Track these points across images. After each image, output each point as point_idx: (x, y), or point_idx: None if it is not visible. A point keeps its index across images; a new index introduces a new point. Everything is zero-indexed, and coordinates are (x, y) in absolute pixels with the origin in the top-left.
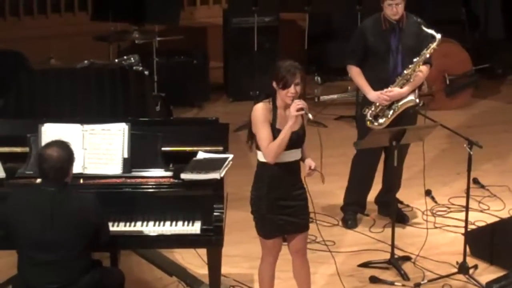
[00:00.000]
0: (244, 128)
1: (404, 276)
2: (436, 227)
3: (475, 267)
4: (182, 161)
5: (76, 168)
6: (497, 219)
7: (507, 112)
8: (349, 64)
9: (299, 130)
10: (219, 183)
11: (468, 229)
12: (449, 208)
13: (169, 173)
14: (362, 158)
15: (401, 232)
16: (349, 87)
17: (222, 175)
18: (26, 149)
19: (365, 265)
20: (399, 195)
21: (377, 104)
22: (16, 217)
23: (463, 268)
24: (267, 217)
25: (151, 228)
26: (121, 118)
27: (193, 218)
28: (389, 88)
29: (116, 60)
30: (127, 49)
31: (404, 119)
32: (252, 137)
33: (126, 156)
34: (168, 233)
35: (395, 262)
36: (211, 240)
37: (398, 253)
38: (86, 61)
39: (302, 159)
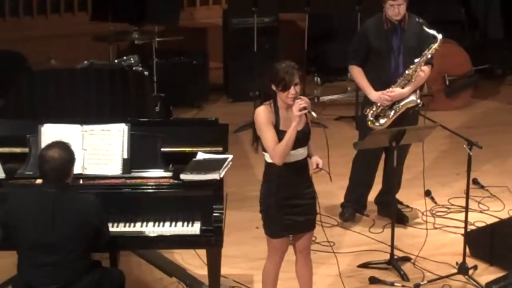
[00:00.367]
0: (244, 129)
1: (404, 277)
2: (435, 228)
3: (475, 267)
4: (182, 161)
5: (76, 169)
6: (497, 219)
7: (506, 113)
8: (351, 64)
9: (304, 128)
10: (218, 183)
11: (468, 230)
12: (448, 208)
13: (168, 174)
14: (362, 158)
15: (401, 233)
16: (348, 88)
17: (221, 175)
18: (26, 150)
19: (365, 265)
20: (399, 195)
21: (379, 104)
22: (17, 218)
23: (462, 269)
24: (275, 216)
25: (150, 229)
26: (121, 119)
27: (193, 218)
28: (391, 89)
29: (116, 61)
30: (126, 49)
31: (405, 119)
32: (257, 139)
33: (125, 156)
34: (168, 233)
35: (395, 263)
36: (211, 241)
37: (397, 253)
38: (85, 62)
39: (309, 155)
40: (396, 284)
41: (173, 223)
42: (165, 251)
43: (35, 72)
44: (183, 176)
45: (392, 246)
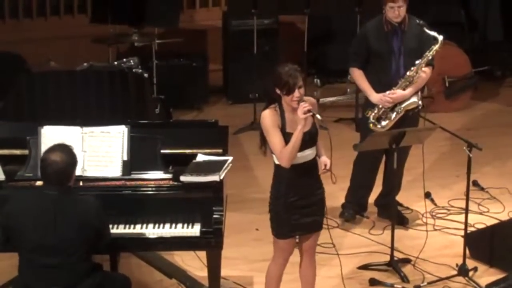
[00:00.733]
0: (243, 131)
1: (404, 279)
2: (435, 230)
3: (475, 269)
4: (182, 163)
5: (76, 171)
6: (497, 221)
7: (506, 114)
8: (352, 67)
9: (311, 129)
10: (218, 185)
11: (468, 232)
12: (448, 210)
13: (168, 176)
14: (363, 160)
15: (401, 235)
16: (348, 90)
17: (221, 177)
18: (26, 152)
19: (365, 267)
20: (399, 197)
21: (380, 106)
22: (19, 220)
23: (462, 270)
24: (283, 217)
25: (150, 231)
26: (121, 121)
27: (193, 220)
28: (392, 90)
29: (116, 63)
30: (126, 51)
31: (406, 121)
32: (265, 142)
33: (125, 158)
34: (168, 235)
35: (395, 265)
36: (211, 243)
37: (397, 255)
38: (85, 64)
39: (318, 155)
40: (396, 285)
41: (173, 225)
42: (165, 253)
43: (35, 74)
44: (183, 178)
45: (392, 248)
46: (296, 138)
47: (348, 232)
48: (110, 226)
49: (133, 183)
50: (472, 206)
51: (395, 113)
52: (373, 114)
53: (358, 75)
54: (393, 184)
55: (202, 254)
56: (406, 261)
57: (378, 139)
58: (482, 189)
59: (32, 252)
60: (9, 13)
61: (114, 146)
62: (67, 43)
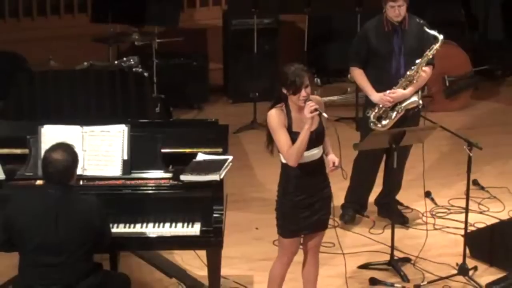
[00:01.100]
0: (243, 130)
1: (404, 278)
2: (436, 229)
3: (475, 268)
4: (182, 162)
5: None
6: (497, 220)
7: (506, 114)
8: (352, 66)
9: (317, 128)
10: (218, 184)
11: (468, 231)
12: (449, 209)
13: (168, 175)
14: (364, 159)
15: (401, 234)
16: (348, 89)
17: (221, 176)
18: (26, 151)
19: (365, 266)
20: (399, 196)
21: (380, 105)
22: (20, 219)
23: (462, 270)
24: (289, 216)
25: (150, 230)
26: (121, 120)
27: (193, 219)
28: (392, 90)
29: (116, 62)
30: (126, 51)
31: (407, 121)
32: (271, 141)
33: (125, 157)
34: (168, 234)
35: (395, 264)
36: (211, 242)
37: (398, 254)
38: (85, 63)
39: (326, 154)
40: (396, 285)
41: (173, 224)
42: (165, 252)
43: (35, 73)
44: (183, 177)
45: (392, 247)
46: (303, 138)
47: (348, 231)
48: (110, 225)
49: (133, 182)
50: (472, 205)
51: (395, 113)
52: (373, 113)
53: (358, 75)
54: (393, 183)
55: (202, 253)
56: (406, 260)
57: (378, 138)
58: (482, 188)
59: (33, 251)
60: (9, 12)
61: (114, 145)
62: (67, 42)
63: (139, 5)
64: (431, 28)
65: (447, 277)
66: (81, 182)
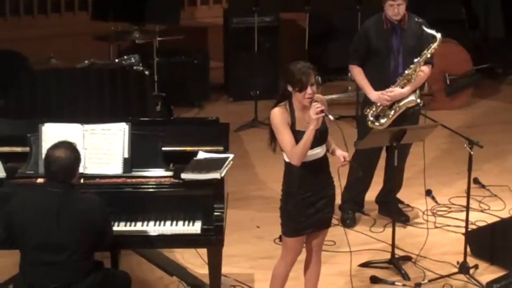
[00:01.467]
0: (244, 128)
1: (405, 276)
2: (436, 227)
3: (476, 267)
4: (183, 161)
5: None
6: (498, 219)
7: (507, 112)
8: (351, 64)
9: (321, 126)
10: (219, 183)
11: (469, 229)
12: (449, 208)
13: (169, 173)
14: (362, 157)
15: (402, 232)
16: (349, 87)
17: (222, 175)
18: (27, 149)
19: (366, 265)
20: (400, 195)
21: (378, 104)
22: (22, 217)
23: (463, 268)
24: (293, 215)
25: (151, 228)
26: (122, 118)
27: (194, 218)
28: (390, 88)
29: (117, 60)
30: (127, 49)
31: (406, 119)
32: (274, 139)
33: (126, 156)
34: (169, 232)
35: (396, 262)
36: (212, 240)
37: (398, 253)
38: (86, 61)
39: (332, 152)
40: (397, 283)
41: (174, 222)
42: (166, 250)
43: (36, 72)
44: (184, 176)
45: (393, 246)
46: (307, 138)
47: (349, 229)
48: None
49: (134, 180)
50: (473, 204)
51: (393, 111)
52: (371, 111)
53: (357, 73)
54: (393, 181)
55: (203, 251)
56: (407, 258)
57: (379, 137)
58: (483, 186)
59: (35, 249)
60: (10, 10)
61: (115, 144)
62: (68, 40)
63: (140, 3)
64: (429, 27)
65: (448, 276)
66: (81, 180)
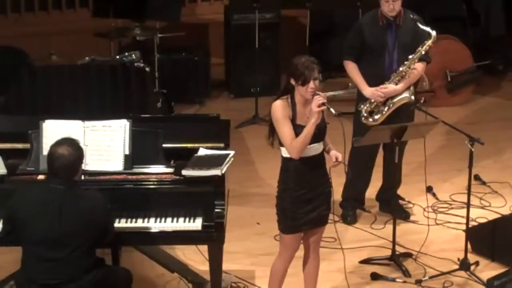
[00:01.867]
0: (245, 125)
1: (406, 273)
2: (437, 224)
3: (477, 263)
4: (184, 157)
5: None
6: (499, 215)
7: (508, 109)
8: (346, 60)
9: (320, 123)
10: (220, 179)
11: (470, 226)
12: (450, 204)
13: (170, 170)
14: (360, 154)
15: (402, 229)
16: (350, 84)
17: (223, 171)
18: (27, 146)
19: (367, 261)
20: (400, 191)
21: (372, 100)
22: (24, 213)
23: (464, 265)
24: (290, 212)
25: (152, 225)
26: (122, 115)
27: (194, 214)
28: (384, 85)
29: (117, 57)
30: (128, 45)
31: (401, 116)
32: (273, 133)
33: (127, 152)
34: (170, 229)
35: (397, 259)
36: (212, 237)
37: (399, 249)
38: (87, 58)
39: (327, 150)
40: (397, 280)
41: (175, 219)
42: (166, 247)
43: (37, 68)
44: (184, 172)
45: (394, 242)
46: (308, 131)
47: (349, 226)
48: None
49: (134, 177)
50: (474, 200)
51: (386, 108)
52: (365, 107)
53: (351, 68)
54: (393, 178)
55: (204, 248)
56: (408, 255)
57: (380, 133)
58: (484, 183)
59: (37, 245)
60: (11, 7)
61: (116, 140)
62: (69, 37)
63: (140, 0)
64: (424, 24)
65: (448, 272)
66: (82, 177)
